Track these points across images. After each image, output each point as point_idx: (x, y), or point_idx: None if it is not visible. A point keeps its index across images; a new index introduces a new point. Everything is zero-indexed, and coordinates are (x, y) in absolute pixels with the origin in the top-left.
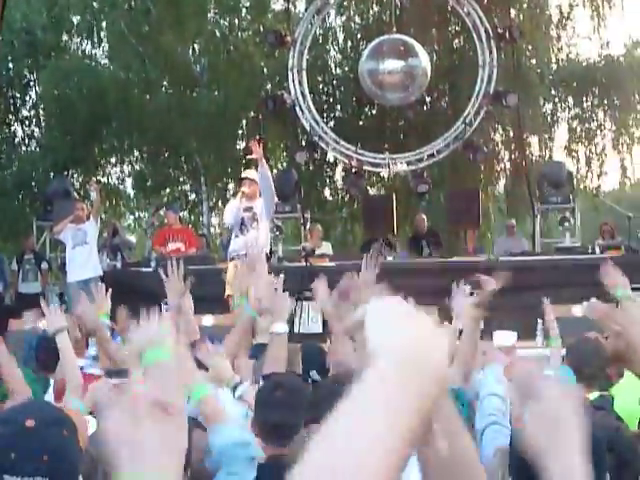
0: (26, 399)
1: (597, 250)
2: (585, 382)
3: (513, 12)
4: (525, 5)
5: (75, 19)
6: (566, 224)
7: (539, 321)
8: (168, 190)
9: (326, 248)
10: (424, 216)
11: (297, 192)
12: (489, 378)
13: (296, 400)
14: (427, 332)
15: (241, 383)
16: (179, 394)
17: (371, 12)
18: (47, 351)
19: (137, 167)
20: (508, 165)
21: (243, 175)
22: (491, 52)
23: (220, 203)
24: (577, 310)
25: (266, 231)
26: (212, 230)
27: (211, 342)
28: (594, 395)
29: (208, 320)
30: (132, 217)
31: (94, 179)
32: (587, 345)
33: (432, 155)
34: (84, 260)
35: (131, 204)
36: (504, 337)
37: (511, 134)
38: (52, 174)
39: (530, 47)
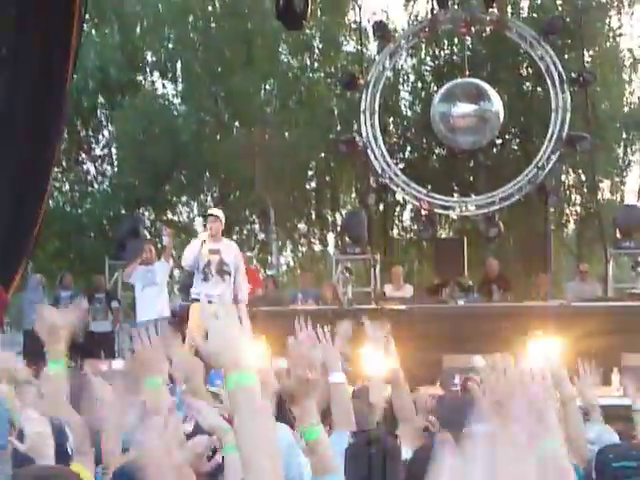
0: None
1: None
2: None
3: (586, 55)
4: (597, 48)
5: (149, 58)
6: (639, 269)
7: (614, 369)
8: (237, 229)
9: (407, 291)
10: (495, 261)
11: (367, 234)
12: None
13: (390, 457)
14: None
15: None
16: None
17: (442, 54)
18: None
19: (207, 206)
20: (579, 209)
21: (208, 212)
22: (564, 96)
23: (289, 243)
24: None
25: (246, 284)
26: (281, 270)
27: None
28: None
29: (283, 363)
30: None
31: (167, 229)
32: None
33: (504, 199)
34: (153, 301)
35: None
36: None
37: (582, 177)
38: (124, 212)
39: (602, 90)
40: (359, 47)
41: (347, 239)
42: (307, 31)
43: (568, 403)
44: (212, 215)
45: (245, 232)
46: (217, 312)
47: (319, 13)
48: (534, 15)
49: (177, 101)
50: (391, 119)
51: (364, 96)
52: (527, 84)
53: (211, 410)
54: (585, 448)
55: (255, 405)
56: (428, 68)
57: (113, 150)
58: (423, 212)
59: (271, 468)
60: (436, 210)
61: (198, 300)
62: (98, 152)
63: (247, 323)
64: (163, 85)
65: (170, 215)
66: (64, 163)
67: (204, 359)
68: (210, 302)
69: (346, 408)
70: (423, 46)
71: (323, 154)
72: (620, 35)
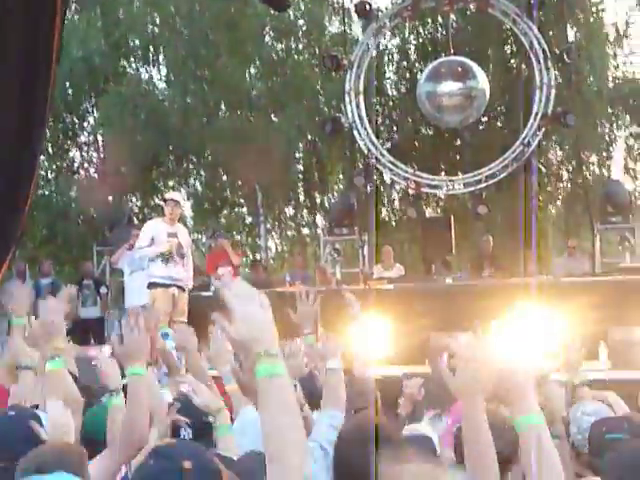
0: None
1: None
2: None
3: (570, 31)
4: (581, 23)
5: (133, 44)
6: (626, 243)
7: (602, 342)
8: (225, 212)
9: (398, 270)
10: (490, 237)
11: (355, 215)
12: None
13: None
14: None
15: None
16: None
17: (426, 32)
18: None
19: (195, 190)
20: (566, 185)
21: (168, 196)
22: (549, 72)
23: (277, 226)
24: None
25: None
26: (269, 253)
27: None
28: None
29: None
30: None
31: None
32: None
33: (491, 176)
34: (141, 285)
35: (188, 226)
36: None
37: (569, 153)
38: (111, 199)
39: (587, 66)
40: (343, 28)
41: (335, 220)
42: (291, 13)
43: (545, 378)
44: (173, 200)
45: (233, 216)
46: (238, 293)
47: None
48: None
49: (162, 86)
50: (376, 99)
51: (348, 77)
52: (512, 61)
53: (205, 388)
54: (560, 424)
55: (286, 397)
56: (412, 47)
57: (99, 137)
58: (410, 192)
59: (299, 466)
60: (423, 189)
61: (159, 285)
62: (83, 139)
63: (268, 307)
64: (147, 70)
65: (157, 200)
66: (50, 150)
67: (233, 345)
68: (175, 285)
69: (339, 392)
70: (407, 25)
71: (310, 136)
72: (603, 10)
